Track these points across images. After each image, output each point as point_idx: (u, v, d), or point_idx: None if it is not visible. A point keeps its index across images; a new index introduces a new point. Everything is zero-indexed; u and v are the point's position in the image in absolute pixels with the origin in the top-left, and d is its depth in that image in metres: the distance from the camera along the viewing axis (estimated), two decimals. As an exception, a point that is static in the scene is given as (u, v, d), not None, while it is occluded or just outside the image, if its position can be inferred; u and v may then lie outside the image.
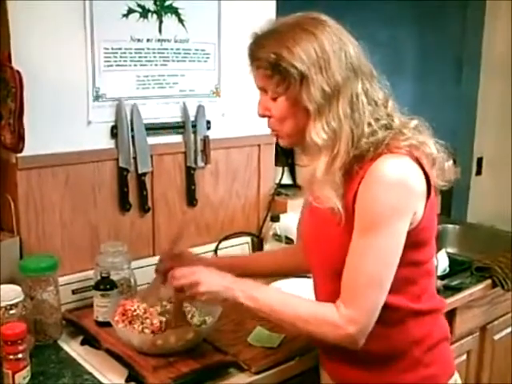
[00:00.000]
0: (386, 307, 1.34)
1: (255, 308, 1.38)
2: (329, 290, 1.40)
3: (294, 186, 2.51)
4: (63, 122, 1.81)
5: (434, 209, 1.39)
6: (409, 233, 1.30)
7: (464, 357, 2.23)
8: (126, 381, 1.47)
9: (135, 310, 1.59)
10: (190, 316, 1.62)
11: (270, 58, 1.30)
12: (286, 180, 2.50)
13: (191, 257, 1.73)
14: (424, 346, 1.41)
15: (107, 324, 1.62)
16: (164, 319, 1.56)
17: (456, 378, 1.49)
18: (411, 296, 1.39)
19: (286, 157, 2.47)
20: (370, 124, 1.31)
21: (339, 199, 1.30)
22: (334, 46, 1.30)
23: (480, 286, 2.18)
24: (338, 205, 1.30)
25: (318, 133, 1.29)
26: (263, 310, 1.38)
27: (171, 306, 1.59)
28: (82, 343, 1.66)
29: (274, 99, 1.35)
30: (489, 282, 2.21)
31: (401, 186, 1.27)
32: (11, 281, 1.62)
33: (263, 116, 1.40)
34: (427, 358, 1.42)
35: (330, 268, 1.39)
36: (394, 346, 1.40)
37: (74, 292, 1.83)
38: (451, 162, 1.40)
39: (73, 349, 1.64)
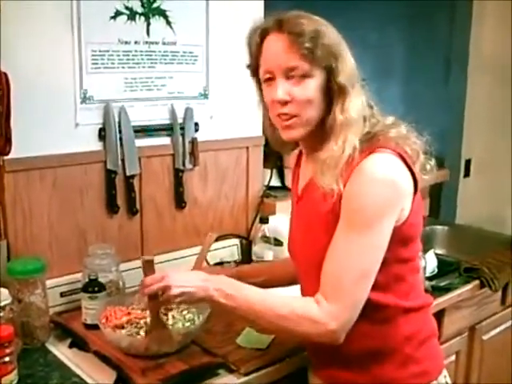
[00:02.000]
0: (376, 305, 1.35)
1: (232, 306, 1.35)
2: (316, 290, 1.39)
3: (283, 187, 2.51)
4: (51, 125, 1.80)
5: (420, 205, 1.41)
6: (397, 229, 1.32)
7: (453, 357, 2.24)
8: (115, 383, 1.47)
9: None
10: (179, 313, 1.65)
11: (311, 32, 1.29)
12: (275, 182, 2.50)
13: (213, 271, 1.73)
14: (414, 343, 1.42)
15: (95, 327, 1.62)
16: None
17: (445, 374, 1.50)
18: (400, 293, 1.40)
19: (274, 159, 2.47)
20: (364, 119, 1.35)
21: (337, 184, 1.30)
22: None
23: (468, 287, 2.19)
24: (340, 187, 1.29)
25: (355, 107, 1.31)
26: (240, 308, 1.35)
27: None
28: (70, 346, 1.65)
29: (299, 82, 1.31)
30: (477, 282, 2.22)
31: (389, 184, 1.28)
32: (-2, 284, 1.62)
33: (284, 101, 1.32)
34: (418, 355, 1.43)
35: (317, 265, 1.37)
36: (385, 343, 1.41)
37: (62, 295, 1.82)
38: (433, 159, 1.42)
39: (61, 352, 1.63)
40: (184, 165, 2.11)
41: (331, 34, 1.32)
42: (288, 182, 2.40)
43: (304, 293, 1.52)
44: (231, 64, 2.19)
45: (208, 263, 2.18)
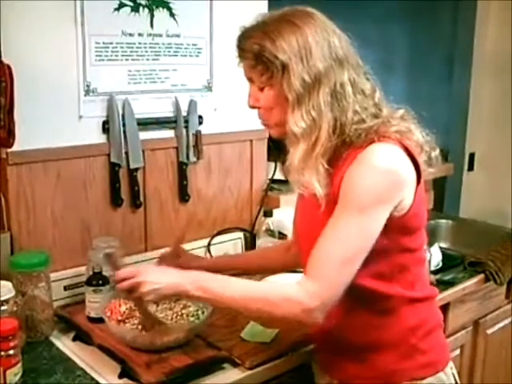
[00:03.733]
0: (380, 295, 1.36)
1: (209, 298, 1.37)
2: None
3: (287, 181, 2.49)
4: (54, 117, 1.79)
5: (423, 196, 1.41)
6: (399, 219, 1.32)
7: (457, 351, 2.24)
8: (119, 376, 1.46)
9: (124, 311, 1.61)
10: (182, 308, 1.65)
11: (253, 48, 1.33)
12: (279, 175, 2.49)
13: (189, 257, 1.78)
14: (420, 334, 1.43)
15: (99, 320, 1.62)
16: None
17: (451, 365, 1.50)
18: (405, 283, 1.40)
19: (278, 152, 2.46)
20: (356, 112, 1.33)
21: (323, 186, 1.31)
22: (317, 36, 1.32)
23: (473, 281, 2.18)
24: (319, 191, 1.31)
25: (296, 122, 1.31)
26: (218, 300, 1.36)
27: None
28: (74, 339, 1.65)
29: (261, 89, 1.38)
30: (481, 276, 2.21)
31: (389, 173, 1.29)
32: (2, 277, 1.60)
33: (253, 107, 1.42)
34: (424, 346, 1.43)
35: None
36: (390, 334, 1.41)
37: (65, 288, 1.82)
38: (437, 149, 1.42)
39: (65, 345, 1.63)
40: (188, 158, 2.10)
41: (279, 46, 1.31)
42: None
43: None
44: (235, 56, 2.17)
45: (211, 255, 2.18)
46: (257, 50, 1.33)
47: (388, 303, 1.39)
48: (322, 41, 1.32)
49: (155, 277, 1.38)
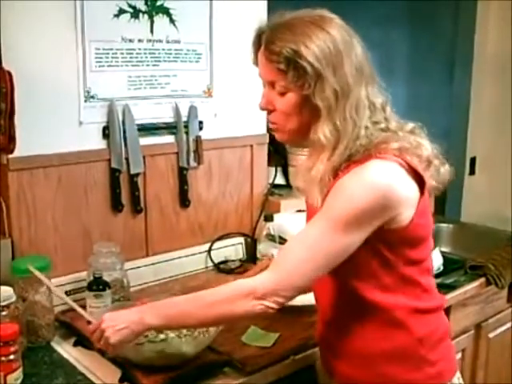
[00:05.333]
0: (384, 307, 1.34)
1: (171, 323, 1.36)
2: (328, 289, 1.40)
3: (288, 186, 2.50)
4: (54, 123, 1.80)
5: (428, 206, 1.38)
6: (401, 232, 1.29)
7: (459, 355, 2.22)
8: (120, 381, 1.46)
9: None
10: None
11: (287, 52, 1.27)
12: (280, 180, 2.50)
13: None
14: (428, 345, 1.39)
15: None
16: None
17: (458, 375, 1.47)
18: (411, 295, 1.37)
19: (279, 157, 2.47)
20: (367, 127, 1.30)
21: (321, 197, 1.30)
22: (346, 45, 1.29)
23: (474, 284, 2.18)
24: (318, 201, 1.30)
25: (324, 131, 1.28)
26: (180, 322, 1.36)
27: None
28: (75, 344, 1.65)
29: (282, 94, 1.32)
30: (483, 280, 2.21)
31: (379, 192, 1.24)
32: (3, 282, 1.60)
33: (266, 109, 1.38)
34: (432, 357, 1.39)
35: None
36: (399, 346, 1.38)
37: (67, 293, 1.81)
38: (447, 165, 1.39)
39: (66, 350, 1.63)
40: (188, 163, 2.11)
41: (314, 53, 1.26)
42: (291, 176, 2.39)
43: (316, 298, 1.51)
44: (235, 62, 2.19)
45: (213, 262, 2.18)
46: (291, 55, 1.26)
47: (395, 315, 1.36)
48: (348, 51, 1.29)
49: (114, 319, 1.36)
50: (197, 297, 1.36)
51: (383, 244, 1.30)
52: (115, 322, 1.35)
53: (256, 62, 1.39)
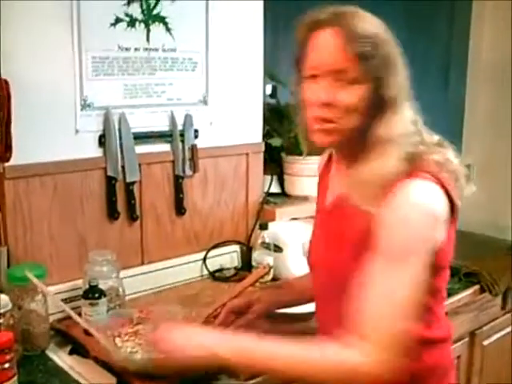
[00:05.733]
0: None
1: (246, 364, 1.25)
2: (335, 313, 1.27)
3: (283, 194, 2.51)
4: (51, 131, 1.81)
5: (454, 232, 1.32)
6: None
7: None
8: (115, 389, 1.46)
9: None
10: None
11: (371, 37, 1.19)
12: (275, 189, 2.50)
13: (250, 298, 1.63)
14: (434, 377, 1.34)
15: (96, 333, 1.62)
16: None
17: None
18: (424, 324, 1.28)
19: (274, 165, 2.48)
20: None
21: (380, 200, 1.20)
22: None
23: (468, 292, 2.19)
24: (376, 208, 1.19)
25: (397, 125, 1.22)
26: (261, 371, 1.28)
27: None
28: (71, 353, 1.65)
29: (346, 86, 1.20)
30: (477, 287, 2.22)
31: (430, 215, 1.18)
32: (-1, 290, 1.62)
33: (325, 104, 1.21)
34: None
35: (335, 283, 1.30)
36: (404, 375, 1.24)
37: (62, 301, 1.82)
38: (471, 182, 1.33)
39: (61, 358, 1.62)
40: (184, 171, 2.11)
41: (390, 42, 1.22)
42: (306, 189, 2.38)
43: (318, 310, 1.47)
44: (231, 70, 2.20)
45: (209, 271, 2.18)
46: (374, 40, 1.19)
47: None
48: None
49: (182, 343, 1.28)
50: (290, 351, 1.21)
51: None
52: (183, 347, 1.27)
53: (299, 55, 1.27)
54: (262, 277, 1.83)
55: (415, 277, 1.17)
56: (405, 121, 1.24)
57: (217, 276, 2.20)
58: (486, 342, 2.38)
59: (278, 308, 1.68)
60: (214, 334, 1.32)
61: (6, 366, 1.38)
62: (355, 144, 1.26)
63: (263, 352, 1.22)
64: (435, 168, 1.22)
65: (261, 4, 2.25)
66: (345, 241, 1.29)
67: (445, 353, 1.40)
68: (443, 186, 1.21)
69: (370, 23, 1.22)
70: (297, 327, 1.76)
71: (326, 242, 1.38)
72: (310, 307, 1.74)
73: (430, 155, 1.24)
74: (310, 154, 2.37)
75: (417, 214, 1.17)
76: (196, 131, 2.13)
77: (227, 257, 2.27)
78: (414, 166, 1.21)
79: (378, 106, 1.22)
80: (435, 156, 1.25)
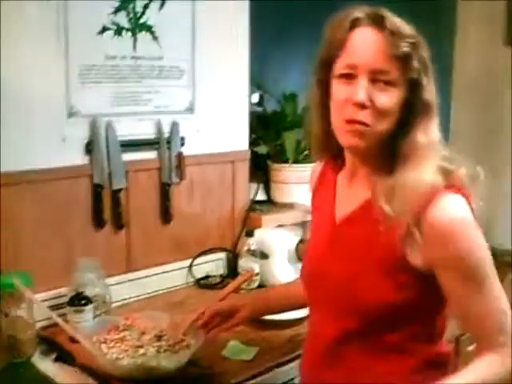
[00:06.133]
0: (409, 356, 1.25)
1: None
2: (339, 330, 1.26)
3: (269, 201, 2.53)
4: (38, 139, 1.81)
5: None
6: None
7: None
8: (101, 396, 1.47)
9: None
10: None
11: (414, 39, 1.16)
12: (261, 196, 2.52)
13: (235, 303, 1.60)
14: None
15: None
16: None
17: None
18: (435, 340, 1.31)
19: (260, 173, 2.49)
20: None
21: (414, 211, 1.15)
22: None
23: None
24: (411, 219, 1.14)
25: (434, 131, 1.20)
26: None
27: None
28: (56, 360, 1.65)
29: (384, 88, 1.16)
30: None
31: (473, 224, 1.17)
32: (-15, 298, 1.61)
33: (363, 105, 1.16)
34: None
35: (354, 300, 1.24)
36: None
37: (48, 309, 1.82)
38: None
39: (46, 365, 1.62)
40: (170, 179, 2.12)
41: (425, 46, 1.19)
42: (292, 197, 2.41)
43: (314, 318, 1.40)
44: (217, 79, 2.22)
45: (195, 279, 2.19)
46: (416, 43, 1.17)
47: (412, 362, 1.26)
48: None
49: None
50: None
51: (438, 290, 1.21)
52: None
53: (332, 53, 1.21)
54: (246, 281, 1.84)
55: (496, 279, 1.20)
56: (437, 128, 1.22)
57: (203, 283, 2.21)
58: (470, 348, 2.39)
59: (263, 314, 1.69)
60: None
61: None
62: (386, 150, 1.22)
63: None
64: (460, 181, 1.20)
65: (246, 14, 2.27)
66: (369, 254, 1.22)
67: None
68: (468, 201, 1.19)
69: (407, 25, 1.18)
70: (286, 333, 1.78)
71: (340, 255, 1.29)
72: (297, 314, 1.78)
73: (459, 171, 1.21)
74: (296, 161, 2.42)
75: (469, 226, 1.16)
76: (182, 139, 2.15)
77: (213, 264, 2.27)
78: (446, 178, 1.17)
79: (413, 110, 1.19)
80: (461, 170, 1.21)
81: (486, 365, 1.20)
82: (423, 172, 1.16)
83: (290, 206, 2.41)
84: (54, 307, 1.83)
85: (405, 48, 1.15)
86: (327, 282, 1.30)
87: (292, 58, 2.66)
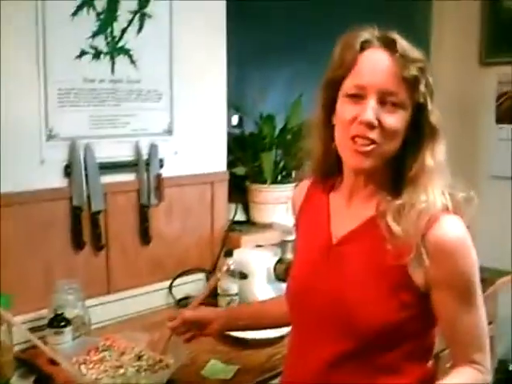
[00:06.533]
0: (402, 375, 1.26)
1: None
2: (331, 353, 1.25)
3: (249, 222, 2.55)
4: (16, 161, 1.82)
5: None
6: None
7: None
8: (81, 418, 1.47)
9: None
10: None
11: (421, 62, 1.20)
12: (241, 217, 2.54)
13: (208, 315, 1.61)
14: None
15: (61, 361, 1.62)
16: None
17: None
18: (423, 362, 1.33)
19: (239, 194, 2.52)
20: None
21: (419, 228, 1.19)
22: None
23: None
24: (418, 240, 1.18)
25: (441, 153, 1.23)
26: None
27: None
28: (35, 382, 1.64)
29: (391, 110, 1.19)
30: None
31: (469, 243, 1.21)
32: (-37, 320, 1.61)
33: (371, 124, 1.18)
34: None
35: (358, 331, 1.22)
36: None
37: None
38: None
39: (25, 388, 1.63)
40: (149, 200, 2.14)
41: (430, 69, 1.23)
42: (271, 217, 2.43)
43: (298, 337, 1.38)
44: (195, 101, 2.25)
45: (175, 299, 2.19)
46: (423, 67, 1.20)
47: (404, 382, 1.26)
48: None
49: None
50: None
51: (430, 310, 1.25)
52: None
53: (340, 73, 1.24)
54: (215, 286, 1.83)
55: (481, 297, 1.25)
56: (444, 152, 1.24)
57: (183, 304, 2.21)
58: (448, 365, 2.41)
59: (235, 330, 1.71)
60: None
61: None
62: (390, 170, 1.25)
63: None
64: (459, 204, 1.23)
65: (223, 38, 2.32)
66: (373, 271, 1.23)
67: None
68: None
69: (415, 48, 1.22)
70: (265, 352, 1.80)
71: (338, 274, 1.27)
72: (276, 332, 1.80)
73: (457, 195, 1.24)
74: (274, 182, 2.45)
75: (466, 250, 1.20)
76: (161, 161, 2.17)
77: (193, 284, 2.28)
78: (451, 200, 1.22)
79: (420, 133, 1.22)
80: (460, 196, 1.24)
81: (463, 375, 1.24)
82: (432, 195, 1.19)
83: (268, 226, 2.43)
84: (33, 329, 1.82)
85: (413, 71, 1.18)
86: (320, 302, 1.28)
87: (270, 79, 2.71)
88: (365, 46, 1.21)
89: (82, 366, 1.54)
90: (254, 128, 2.57)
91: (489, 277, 2.56)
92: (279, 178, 2.51)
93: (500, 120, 3.35)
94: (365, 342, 1.22)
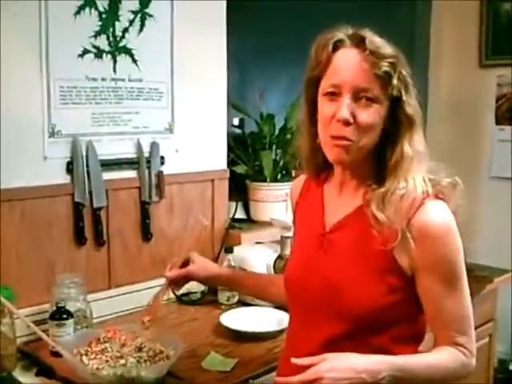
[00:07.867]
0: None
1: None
2: (326, 336, 1.31)
3: (249, 220, 2.58)
4: (19, 158, 1.85)
5: None
6: None
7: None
8: (82, 409, 1.49)
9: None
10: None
11: (392, 58, 1.23)
12: (241, 215, 2.57)
13: (200, 262, 1.67)
14: None
15: (63, 353, 1.64)
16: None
17: None
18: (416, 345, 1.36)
19: (239, 192, 2.54)
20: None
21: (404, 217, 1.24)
22: None
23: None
24: (403, 225, 1.23)
25: (419, 142, 1.28)
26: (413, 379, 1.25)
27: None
28: (37, 374, 1.67)
29: (367, 105, 1.23)
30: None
31: (455, 228, 1.26)
32: (-34, 313, 1.63)
33: (346, 122, 1.23)
34: None
35: (350, 313, 1.28)
36: None
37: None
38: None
39: (28, 381, 1.64)
40: (150, 197, 2.17)
41: (405, 63, 1.27)
42: (271, 215, 2.44)
43: (295, 329, 1.43)
44: (196, 100, 2.28)
45: (175, 294, 2.22)
46: (396, 62, 1.23)
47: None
48: None
49: (337, 370, 1.18)
50: (429, 362, 1.27)
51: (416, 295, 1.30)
52: (337, 374, 1.17)
53: (317, 73, 1.29)
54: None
55: (466, 281, 1.29)
56: (422, 138, 1.30)
57: (184, 300, 2.24)
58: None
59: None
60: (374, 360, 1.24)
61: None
62: (373, 161, 1.31)
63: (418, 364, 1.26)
64: (443, 189, 1.29)
65: (224, 37, 2.35)
66: (362, 259, 1.28)
67: None
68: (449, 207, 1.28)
69: (388, 45, 1.26)
70: (264, 345, 1.82)
71: (331, 260, 1.33)
72: (276, 326, 1.82)
73: (442, 181, 1.29)
74: (273, 180, 2.48)
75: (451, 234, 1.25)
76: (162, 158, 2.20)
77: (194, 281, 2.29)
78: (432, 186, 1.27)
79: (397, 124, 1.27)
80: (445, 179, 1.30)
81: (444, 354, 1.28)
82: (412, 181, 1.24)
83: (268, 224, 2.45)
84: (35, 323, 1.82)
85: (385, 68, 1.22)
86: (315, 287, 1.34)
87: (271, 80, 2.73)
88: (338, 45, 1.26)
89: (84, 357, 1.56)
90: (254, 127, 2.60)
91: (489, 276, 2.59)
92: (279, 176, 2.53)
93: (500, 121, 3.37)
94: (356, 324, 1.28)
